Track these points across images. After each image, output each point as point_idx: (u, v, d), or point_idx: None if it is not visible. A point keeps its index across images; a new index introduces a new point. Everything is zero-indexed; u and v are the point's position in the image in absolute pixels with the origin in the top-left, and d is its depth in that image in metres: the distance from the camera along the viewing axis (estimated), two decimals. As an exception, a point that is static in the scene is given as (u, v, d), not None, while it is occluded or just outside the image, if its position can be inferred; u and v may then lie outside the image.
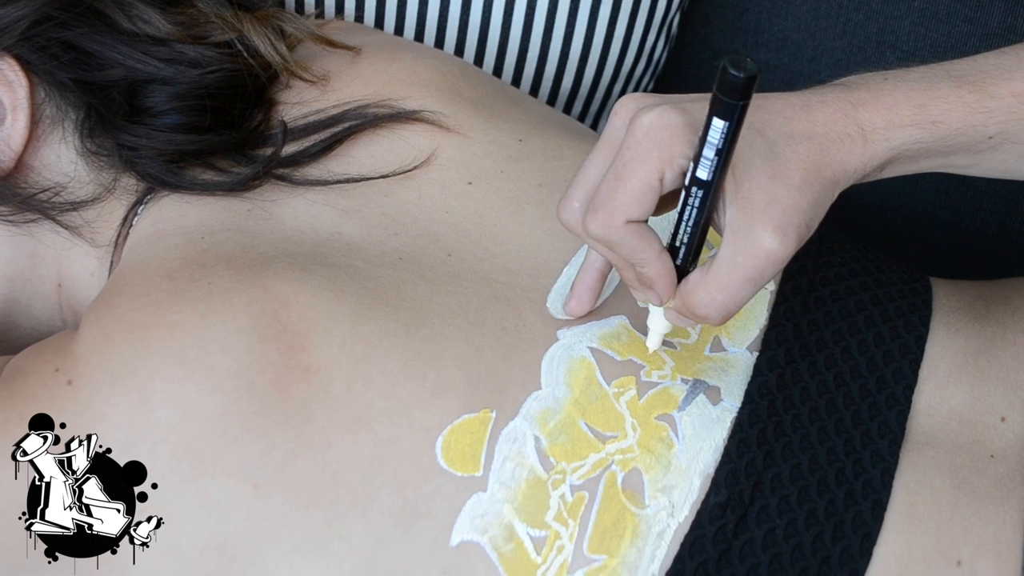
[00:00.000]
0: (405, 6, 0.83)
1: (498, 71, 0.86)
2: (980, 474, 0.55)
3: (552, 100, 0.89)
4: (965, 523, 0.53)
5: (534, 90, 0.87)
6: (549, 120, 0.71)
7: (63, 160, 0.63)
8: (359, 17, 0.84)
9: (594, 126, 0.94)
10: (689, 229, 0.51)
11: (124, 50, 0.63)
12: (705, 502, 0.53)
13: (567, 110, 0.90)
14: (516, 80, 0.87)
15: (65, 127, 0.63)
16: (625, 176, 0.50)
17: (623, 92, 0.92)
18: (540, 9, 0.84)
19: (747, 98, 0.46)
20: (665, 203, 0.51)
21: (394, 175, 0.63)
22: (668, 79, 1.04)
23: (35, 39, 0.62)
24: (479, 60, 0.85)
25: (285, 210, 0.61)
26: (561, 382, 0.55)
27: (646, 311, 0.58)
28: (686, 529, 0.52)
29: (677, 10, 0.91)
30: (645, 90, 0.97)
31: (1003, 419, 0.58)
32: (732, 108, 0.46)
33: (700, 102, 0.50)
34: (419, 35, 0.84)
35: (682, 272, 0.53)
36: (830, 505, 0.53)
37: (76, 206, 0.63)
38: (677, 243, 0.52)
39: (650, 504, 0.53)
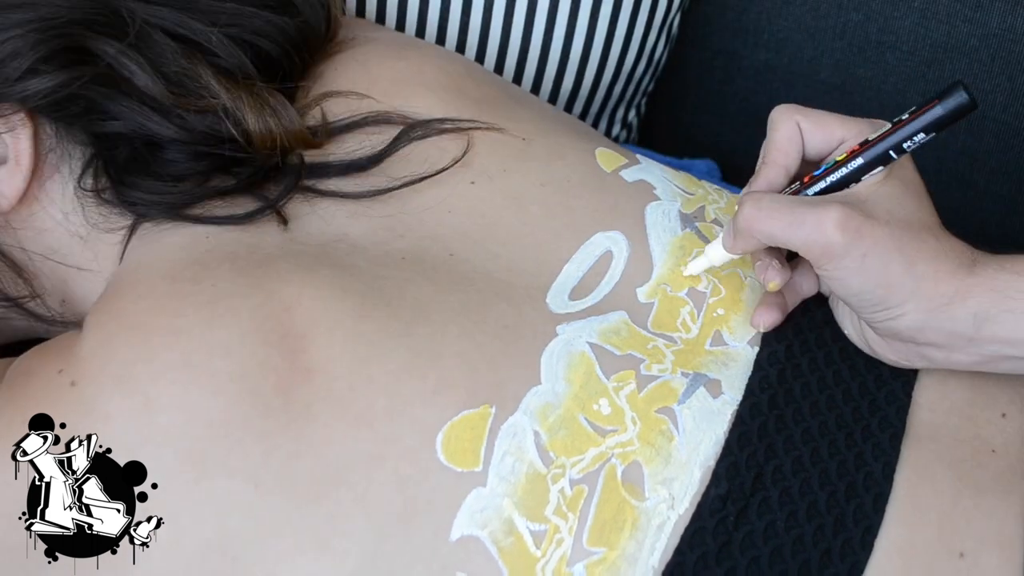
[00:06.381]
0: (406, 7, 0.83)
1: (499, 72, 0.86)
2: (982, 468, 0.55)
3: (553, 100, 0.89)
4: (967, 515, 0.53)
5: (535, 90, 0.88)
6: (553, 120, 0.71)
7: (66, 198, 0.61)
8: (361, 18, 0.84)
9: (595, 126, 0.94)
10: (823, 177, 0.56)
11: (134, 107, 0.60)
12: (705, 494, 0.53)
13: (567, 110, 0.90)
14: (517, 80, 0.87)
15: (71, 167, 0.61)
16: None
17: (623, 92, 0.92)
18: (541, 10, 0.84)
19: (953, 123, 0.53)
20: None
21: (411, 184, 0.63)
22: (668, 79, 1.05)
23: (55, 104, 0.59)
24: (480, 61, 0.85)
25: (290, 212, 0.61)
26: (561, 377, 0.55)
27: (646, 308, 0.58)
28: (686, 521, 0.52)
29: (677, 10, 0.91)
30: (645, 90, 0.97)
31: (1004, 415, 0.58)
32: (935, 125, 0.53)
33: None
34: (420, 36, 0.84)
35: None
36: (831, 497, 0.53)
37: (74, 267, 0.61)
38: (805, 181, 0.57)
39: (650, 497, 0.52)
